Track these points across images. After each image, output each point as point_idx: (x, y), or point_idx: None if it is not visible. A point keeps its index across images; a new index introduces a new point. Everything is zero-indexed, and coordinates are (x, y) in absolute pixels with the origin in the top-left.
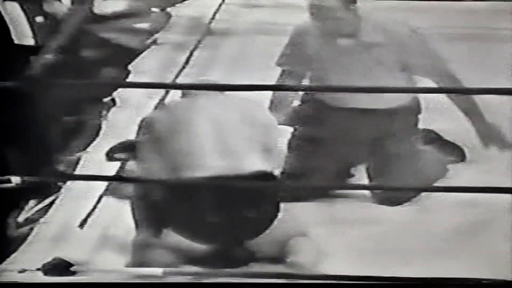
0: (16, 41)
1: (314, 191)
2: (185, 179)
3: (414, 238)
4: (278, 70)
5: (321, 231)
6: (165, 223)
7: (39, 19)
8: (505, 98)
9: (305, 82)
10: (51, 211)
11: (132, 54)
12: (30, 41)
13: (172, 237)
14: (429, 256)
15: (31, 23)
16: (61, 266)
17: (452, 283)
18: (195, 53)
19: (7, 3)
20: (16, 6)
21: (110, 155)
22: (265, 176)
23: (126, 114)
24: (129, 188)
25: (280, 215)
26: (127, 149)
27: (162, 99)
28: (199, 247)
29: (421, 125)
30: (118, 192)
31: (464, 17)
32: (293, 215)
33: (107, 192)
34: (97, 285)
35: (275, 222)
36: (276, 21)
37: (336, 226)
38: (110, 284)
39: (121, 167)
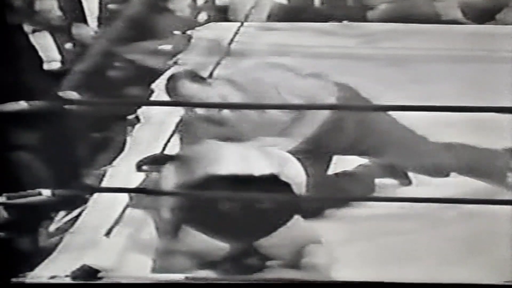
0: (45, 67)
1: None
2: (203, 181)
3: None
4: None
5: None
6: (183, 221)
7: (68, 45)
8: None
9: None
10: (79, 221)
11: (155, 74)
12: (58, 65)
13: (190, 235)
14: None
15: (60, 49)
16: (89, 273)
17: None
18: (215, 73)
19: (36, 33)
20: (46, 35)
21: (139, 166)
22: (277, 180)
23: (150, 131)
24: (152, 200)
25: (295, 220)
26: (155, 162)
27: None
28: (217, 248)
29: None
30: (141, 203)
31: (466, 40)
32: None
33: (131, 203)
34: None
35: (290, 225)
36: (291, 43)
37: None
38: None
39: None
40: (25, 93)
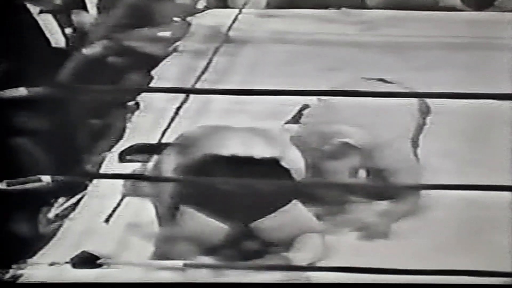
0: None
1: None
2: (202, 161)
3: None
4: (291, 76)
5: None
6: (181, 200)
7: (68, 30)
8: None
9: None
10: (78, 208)
11: (155, 60)
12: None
13: (188, 215)
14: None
15: (64, 32)
16: (88, 259)
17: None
18: (214, 60)
19: (42, 15)
20: (50, 17)
21: (122, 157)
22: (277, 164)
23: (149, 117)
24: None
25: (294, 205)
26: (140, 151)
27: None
28: (215, 229)
29: None
30: (136, 191)
31: (465, 27)
32: (306, 211)
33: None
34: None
35: (289, 210)
36: (290, 30)
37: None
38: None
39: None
40: (33, 76)
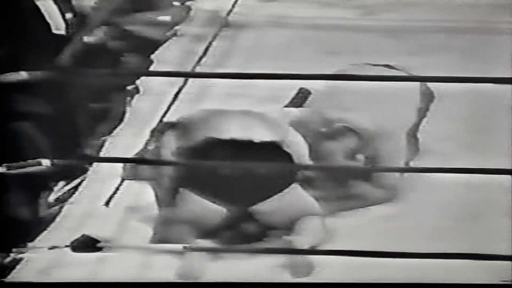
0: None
1: None
2: (202, 145)
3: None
4: (290, 60)
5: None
6: (181, 183)
7: (68, 15)
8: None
9: None
10: (78, 191)
11: (155, 45)
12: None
13: (188, 198)
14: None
15: (64, 18)
16: (88, 243)
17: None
18: (213, 44)
19: (43, 0)
20: (50, 2)
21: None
22: (278, 148)
23: (149, 101)
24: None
25: (294, 189)
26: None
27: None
28: (214, 212)
29: None
30: (139, 174)
31: (465, 11)
32: (307, 194)
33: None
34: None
35: (289, 193)
36: (290, 15)
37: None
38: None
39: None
40: (33, 60)
